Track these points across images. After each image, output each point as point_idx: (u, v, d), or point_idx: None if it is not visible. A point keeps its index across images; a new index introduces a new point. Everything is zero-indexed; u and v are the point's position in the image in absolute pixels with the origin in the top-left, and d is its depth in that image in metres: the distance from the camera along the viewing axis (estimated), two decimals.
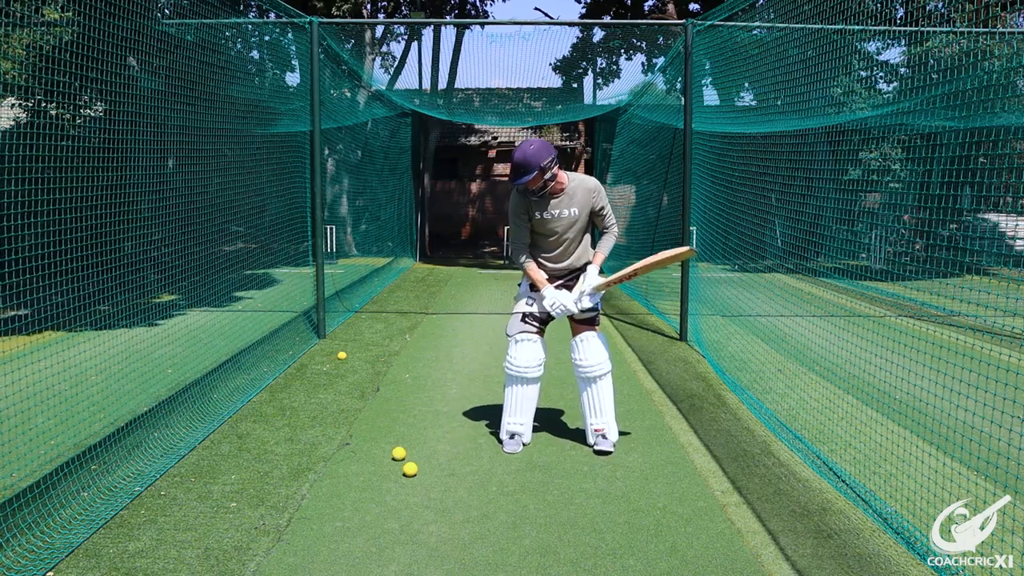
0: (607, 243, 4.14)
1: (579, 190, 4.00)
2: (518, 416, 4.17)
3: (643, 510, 3.39)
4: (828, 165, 6.43)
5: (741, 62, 7.18)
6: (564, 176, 3.99)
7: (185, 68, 5.49)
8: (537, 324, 4.14)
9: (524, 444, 4.21)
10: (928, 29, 8.82)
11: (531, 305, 4.14)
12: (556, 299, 3.98)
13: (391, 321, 8.31)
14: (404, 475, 3.78)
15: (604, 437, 4.15)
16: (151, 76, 5.29)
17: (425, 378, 5.77)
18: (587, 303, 4.02)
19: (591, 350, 4.10)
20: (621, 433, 4.39)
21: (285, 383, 5.60)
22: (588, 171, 21.50)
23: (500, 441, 4.25)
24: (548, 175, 3.84)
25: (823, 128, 7.70)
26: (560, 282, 4.13)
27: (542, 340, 4.15)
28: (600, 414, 4.15)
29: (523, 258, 4.07)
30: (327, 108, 8.65)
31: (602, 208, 4.06)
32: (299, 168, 7.82)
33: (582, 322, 4.13)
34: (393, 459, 3.97)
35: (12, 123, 7.78)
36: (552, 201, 3.98)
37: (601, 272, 4.11)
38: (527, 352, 4.08)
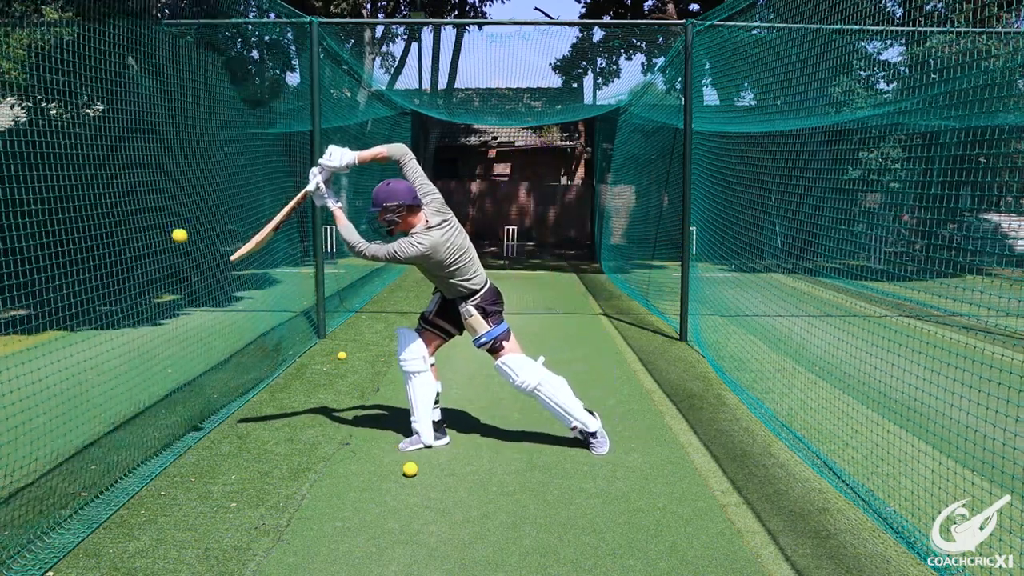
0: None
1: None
2: (414, 414, 4.22)
3: (643, 510, 3.39)
4: (827, 165, 6.43)
5: (741, 62, 7.18)
6: (418, 224, 3.93)
7: (185, 68, 5.49)
8: (421, 322, 4.29)
9: (424, 445, 4.18)
10: (928, 29, 8.82)
11: (427, 307, 4.31)
12: (313, 178, 4.07)
13: (391, 321, 8.31)
14: (404, 475, 3.77)
15: (594, 437, 4.14)
16: (151, 76, 5.29)
17: None
18: (313, 181, 4.08)
19: (508, 373, 4.09)
20: (619, 430, 4.39)
21: (285, 383, 5.60)
22: (588, 171, 21.53)
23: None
24: (388, 216, 3.89)
25: (822, 128, 7.70)
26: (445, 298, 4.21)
27: (418, 335, 4.21)
28: (566, 415, 4.12)
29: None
30: (327, 108, 8.65)
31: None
32: (299, 168, 7.82)
33: (489, 351, 4.16)
34: (404, 475, 3.82)
35: (12, 123, 7.78)
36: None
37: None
38: (401, 343, 4.21)
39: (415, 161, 4.11)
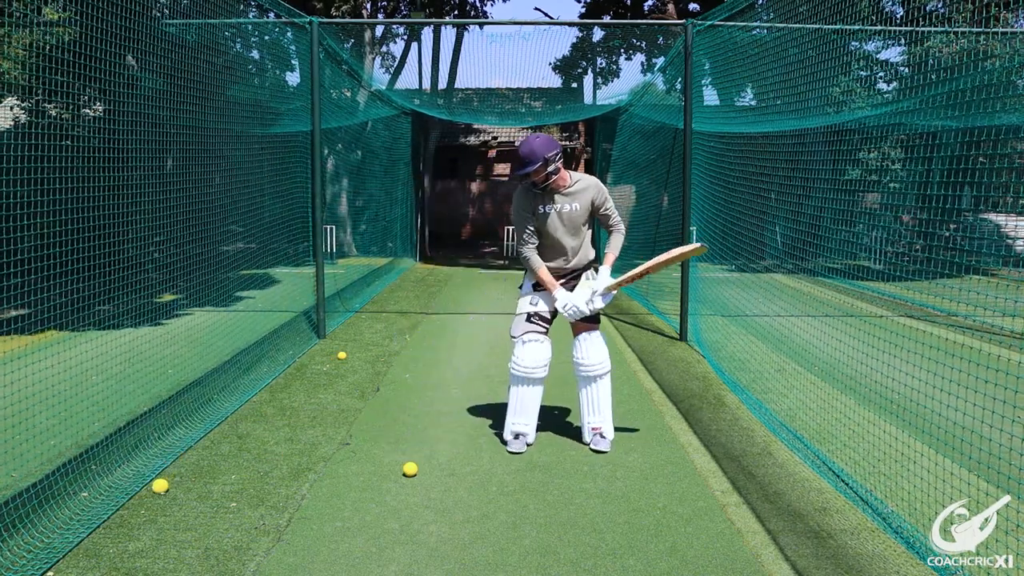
0: (616, 242, 4.13)
1: (580, 187, 4.04)
2: (523, 416, 4.18)
3: (643, 510, 3.39)
4: (827, 165, 6.43)
5: (741, 62, 7.18)
6: (567, 174, 4.02)
7: (185, 68, 5.49)
8: (543, 324, 4.15)
9: (528, 444, 4.22)
10: (928, 29, 8.82)
11: (535, 305, 4.14)
12: (568, 301, 4.00)
13: (391, 321, 8.31)
14: (404, 475, 3.78)
15: (601, 436, 4.17)
16: (151, 76, 5.29)
17: (425, 378, 5.77)
18: (599, 304, 4.02)
19: (593, 350, 4.11)
20: (618, 429, 4.39)
21: (285, 383, 5.60)
22: (588, 171, 21.52)
23: (504, 442, 4.25)
24: (551, 167, 3.87)
25: (822, 128, 7.70)
26: (562, 282, 4.14)
27: (548, 340, 4.17)
28: (598, 412, 4.16)
29: (532, 258, 4.07)
30: (327, 108, 8.65)
31: (605, 206, 4.07)
32: (299, 168, 7.82)
33: (584, 320, 4.13)
34: (404, 475, 3.82)
35: (12, 123, 7.78)
36: (555, 196, 4.01)
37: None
38: (534, 353, 4.09)
39: (613, 224, 4.14)
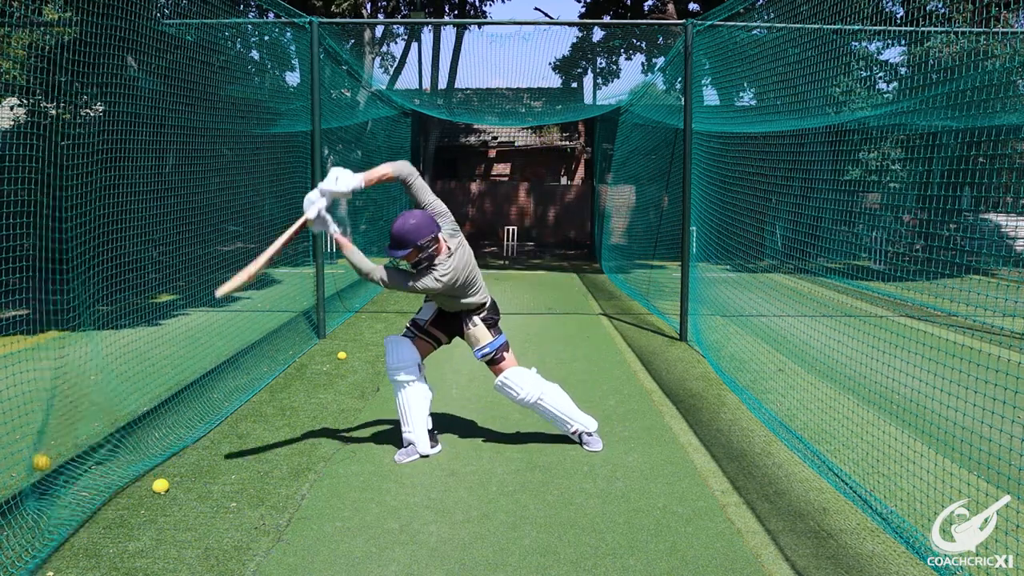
0: (386, 169, 3.80)
1: (456, 248, 3.86)
2: (407, 424, 4.07)
3: (643, 510, 3.39)
4: (828, 165, 6.43)
5: (741, 62, 7.18)
6: (444, 246, 3.81)
7: (185, 68, 5.49)
8: (414, 329, 4.16)
9: (421, 455, 4.05)
10: (928, 29, 8.82)
11: (418, 312, 4.21)
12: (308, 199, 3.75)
13: (391, 321, 8.31)
14: (36, 468, 3.68)
15: (588, 435, 4.17)
16: (151, 76, 5.29)
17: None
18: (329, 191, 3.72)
19: (517, 387, 4.04)
20: (618, 428, 4.40)
21: (285, 383, 5.60)
22: (588, 171, 21.53)
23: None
24: (423, 255, 3.71)
25: (823, 128, 7.70)
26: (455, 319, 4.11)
27: (409, 342, 4.10)
28: (567, 423, 4.15)
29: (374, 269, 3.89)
30: (327, 108, 8.64)
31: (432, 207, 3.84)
32: (299, 168, 7.82)
33: (489, 364, 4.09)
34: (36, 468, 3.58)
35: (12, 123, 7.78)
36: (436, 267, 3.81)
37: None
38: (392, 351, 4.08)
39: (421, 179, 3.89)
